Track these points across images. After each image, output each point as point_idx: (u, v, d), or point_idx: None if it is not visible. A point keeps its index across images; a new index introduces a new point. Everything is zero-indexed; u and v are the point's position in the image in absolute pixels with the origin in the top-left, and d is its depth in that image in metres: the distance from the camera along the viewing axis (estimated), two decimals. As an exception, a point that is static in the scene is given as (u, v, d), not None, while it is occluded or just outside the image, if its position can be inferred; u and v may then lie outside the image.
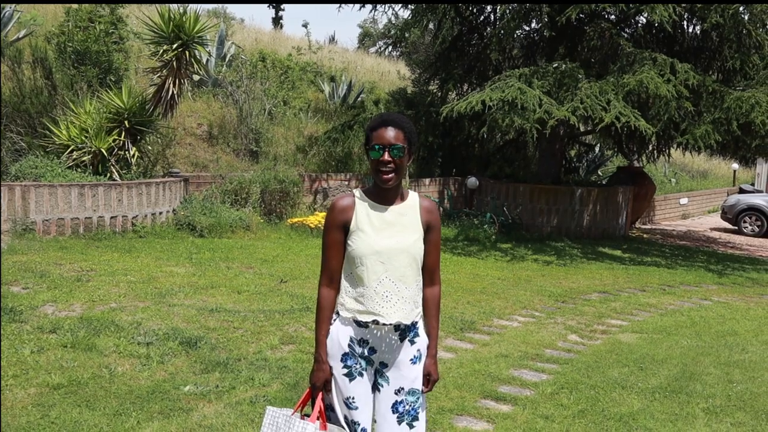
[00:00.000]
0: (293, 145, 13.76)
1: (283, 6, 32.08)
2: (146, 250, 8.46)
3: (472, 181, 13.90)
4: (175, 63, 9.92)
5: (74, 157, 9.49)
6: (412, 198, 2.67)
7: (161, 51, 9.88)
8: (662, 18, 11.01)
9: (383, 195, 2.61)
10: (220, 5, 32.26)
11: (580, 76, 11.35)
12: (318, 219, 11.21)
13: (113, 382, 4.28)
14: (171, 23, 9.71)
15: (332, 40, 28.45)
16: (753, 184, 24.16)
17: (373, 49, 33.41)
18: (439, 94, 15.04)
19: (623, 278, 9.67)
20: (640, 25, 13.91)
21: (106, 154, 9.56)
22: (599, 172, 18.89)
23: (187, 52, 9.95)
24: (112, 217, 9.12)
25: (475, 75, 14.33)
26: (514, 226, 13.14)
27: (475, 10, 14.52)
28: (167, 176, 10.56)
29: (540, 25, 13.59)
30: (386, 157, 2.51)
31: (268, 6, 31.93)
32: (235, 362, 4.78)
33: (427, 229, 2.66)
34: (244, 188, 11.04)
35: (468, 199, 14.38)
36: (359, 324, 2.56)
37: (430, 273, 2.72)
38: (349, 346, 2.57)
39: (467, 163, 15.15)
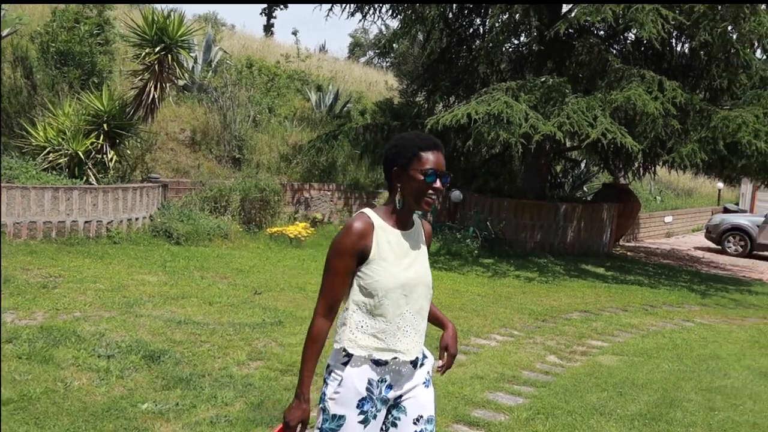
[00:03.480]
0: (277, 153, 13.58)
1: (274, 13, 32.06)
2: (119, 256, 8.25)
3: (457, 194, 13.75)
4: (157, 66, 9.77)
5: (50, 159, 9.27)
6: (416, 221, 2.48)
7: (143, 54, 9.72)
8: (651, 35, 10.93)
9: (402, 220, 2.38)
10: (211, 11, 32.16)
11: (567, 91, 11.27)
12: (298, 229, 11.02)
13: (67, 397, 4.08)
14: (154, 26, 9.56)
15: (323, 48, 28.41)
16: (737, 204, 24.22)
17: (363, 59, 33.37)
18: (426, 105, 14.92)
19: (605, 297, 9.55)
20: (628, 41, 13.88)
21: (83, 157, 9.35)
22: (585, 189, 18.80)
23: (170, 56, 9.80)
24: (86, 222, 8.89)
25: (462, 87, 14.22)
26: (497, 241, 12.98)
27: (464, 23, 14.45)
28: (145, 181, 10.35)
29: (529, 39, 13.54)
30: (438, 184, 2.32)
31: (260, 13, 31.87)
32: (199, 378, 4.58)
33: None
34: (224, 196, 10.85)
35: (451, 213, 14.22)
36: (377, 362, 2.33)
37: None
38: (368, 389, 2.32)
39: (452, 176, 14.99)
